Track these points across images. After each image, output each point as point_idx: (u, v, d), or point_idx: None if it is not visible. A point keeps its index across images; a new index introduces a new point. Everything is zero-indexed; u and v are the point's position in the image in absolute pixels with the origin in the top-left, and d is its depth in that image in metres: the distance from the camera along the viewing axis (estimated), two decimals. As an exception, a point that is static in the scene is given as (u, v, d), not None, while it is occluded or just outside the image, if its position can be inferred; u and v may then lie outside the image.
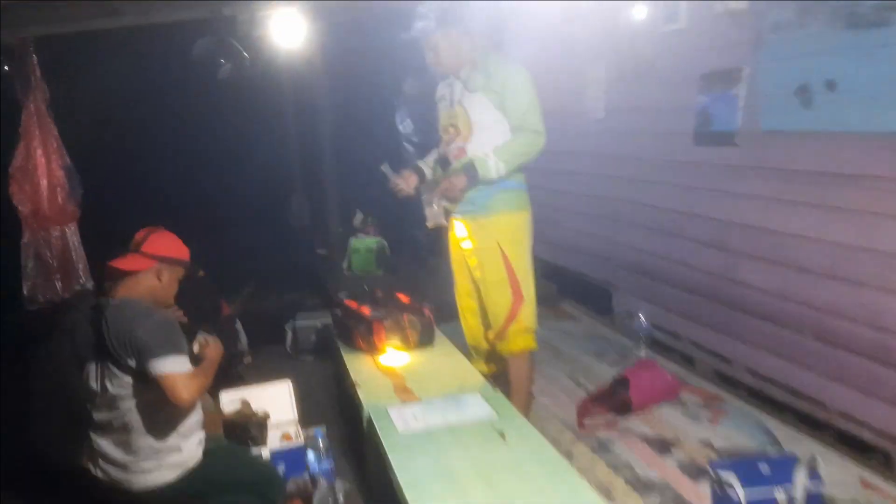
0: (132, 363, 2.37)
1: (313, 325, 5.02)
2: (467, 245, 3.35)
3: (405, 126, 6.91)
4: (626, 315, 4.84)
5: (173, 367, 2.34)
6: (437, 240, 7.33)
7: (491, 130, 3.15)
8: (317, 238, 7.76)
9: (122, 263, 2.56)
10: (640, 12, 4.24)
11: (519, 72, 3.13)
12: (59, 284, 4.39)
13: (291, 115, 8.03)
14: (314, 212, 8.13)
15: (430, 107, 7.33)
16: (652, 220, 4.39)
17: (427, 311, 3.70)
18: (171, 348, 2.37)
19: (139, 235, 2.64)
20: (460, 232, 3.37)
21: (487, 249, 3.24)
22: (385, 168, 3.46)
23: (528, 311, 3.27)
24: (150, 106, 7.28)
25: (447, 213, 3.32)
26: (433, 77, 8.11)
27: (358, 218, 7.12)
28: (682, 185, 4.04)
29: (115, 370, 2.41)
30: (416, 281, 6.32)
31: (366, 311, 3.71)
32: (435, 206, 3.24)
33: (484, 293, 3.31)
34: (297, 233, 8.18)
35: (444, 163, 3.33)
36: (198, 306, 4.43)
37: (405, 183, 3.39)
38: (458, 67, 3.22)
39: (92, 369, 2.46)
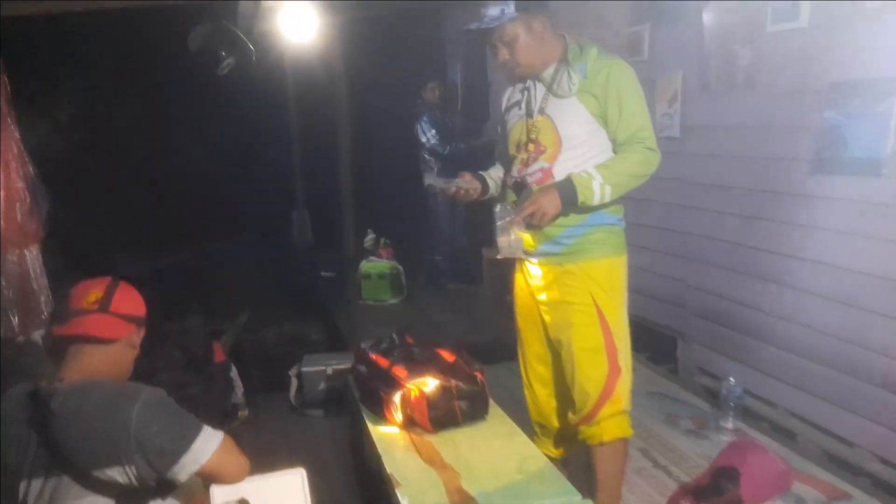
0: (118, 474, 1.63)
1: (322, 372, 4.20)
2: (546, 297, 2.56)
3: (430, 136, 6.12)
4: (698, 371, 4.06)
5: (212, 444, 1.73)
6: (458, 265, 6.61)
7: (586, 147, 2.40)
8: (322, 258, 6.96)
9: (90, 327, 1.77)
10: (738, 6, 3.48)
11: (626, 70, 2.39)
12: (15, 320, 3.57)
13: (298, 119, 7.24)
14: (319, 229, 7.35)
15: (452, 114, 6.64)
16: (741, 262, 3.61)
17: (479, 376, 2.90)
18: (193, 425, 1.71)
19: (97, 290, 1.83)
20: (537, 279, 2.58)
21: (578, 305, 2.45)
22: (431, 179, 2.68)
23: (625, 388, 2.49)
24: (135, 105, 6.47)
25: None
26: (458, 81, 7.33)
27: (369, 238, 6.34)
28: (790, 222, 3.27)
29: (77, 488, 1.64)
30: (438, 314, 5.53)
31: (400, 372, 2.91)
32: (512, 235, 2.46)
33: (568, 362, 2.51)
34: (300, 252, 7.38)
35: (518, 189, 2.54)
36: (184, 354, 3.64)
37: (467, 187, 2.62)
38: (543, 66, 2.45)
39: (34, 488, 1.67)
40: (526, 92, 2.54)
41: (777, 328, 3.42)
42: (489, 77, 6.69)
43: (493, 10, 2.40)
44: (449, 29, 7.51)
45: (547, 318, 2.57)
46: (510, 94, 2.65)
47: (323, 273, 6.78)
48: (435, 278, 6.46)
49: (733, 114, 3.60)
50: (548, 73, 2.46)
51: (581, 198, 2.32)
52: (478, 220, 7.09)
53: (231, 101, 6.53)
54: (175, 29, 4.29)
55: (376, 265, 6.03)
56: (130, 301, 1.84)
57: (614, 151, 2.40)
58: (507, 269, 5.52)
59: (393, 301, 5.97)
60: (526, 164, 2.52)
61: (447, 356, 3.04)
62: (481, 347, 4.68)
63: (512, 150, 2.60)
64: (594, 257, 2.44)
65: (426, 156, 6.27)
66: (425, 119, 6.16)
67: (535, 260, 2.56)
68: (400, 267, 6.07)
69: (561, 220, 2.44)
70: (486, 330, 4.99)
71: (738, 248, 3.62)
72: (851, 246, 2.98)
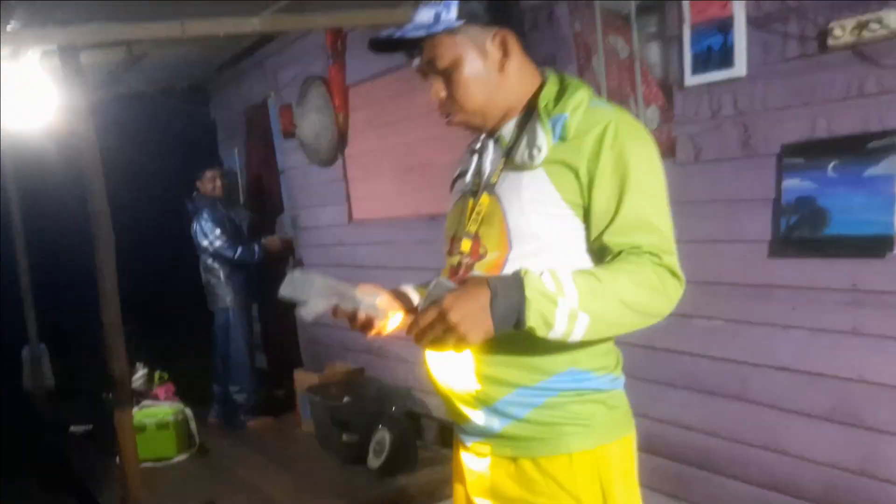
0: None
1: None
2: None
3: (213, 238, 4.85)
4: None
5: None
6: (259, 395, 5.27)
7: (549, 254, 1.38)
8: (71, 407, 5.25)
9: None
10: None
11: (636, 131, 1.40)
12: None
13: (25, 224, 5.54)
14: (64, 367, 5.60)
15: (236, 209, 5.41)
16: (702, 379, 2.79)
17: None
18: None
19: None
20: (473, 476, 1.53)
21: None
22: (296, 290, 1.45)
23: None
24: None
25: None
26: (237, 168, 6.12)
27: (139, 374, 4.83)
28: (750, 321, 2.57)
29: None
30: (252, 473, 4.17)
31: None
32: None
33: None
34: (39, 402, 5.54)
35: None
36: None
37: (368, 310, 1.45)
38: (502, 115, 1.48)
39: None
40: (477, 155, 1.56)
41: (737, 455, 2.66)
42: (280, 161, 5.60)
43: (423, 12, 1.40)
44: (221, 109, 6.34)
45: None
46: (464, 157, 1.65)
47: (73, 428, 5.07)
48: (230, 416, 5.06)
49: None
50: (508, 128, 1.49)
51: (531, 322, 1.24)
52: (280, 334, 5.84)
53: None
54: None
55: (153, 411, 4.52)
56: None
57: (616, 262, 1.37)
58: (334, 390, 4.38)
59: (182, 458, 4.48)
60: (456, 273, 1.50)
61: None
62: None
63: (445, 248, 1.58)
64: (571, 449, 1.41)
65: (209, 261, 4.97)
66: (205, 216, 4.89)
67: (469, 442, 1.52)
68: (187, 410, 4.62)
69: (500, 372, 1.41)
70: (330, 487, 3.78)
71: (683, 358, 2.82)
72: (844, 349, 2.31)
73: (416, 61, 1.48)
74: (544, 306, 1.23)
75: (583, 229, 1.40)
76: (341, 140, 4.61)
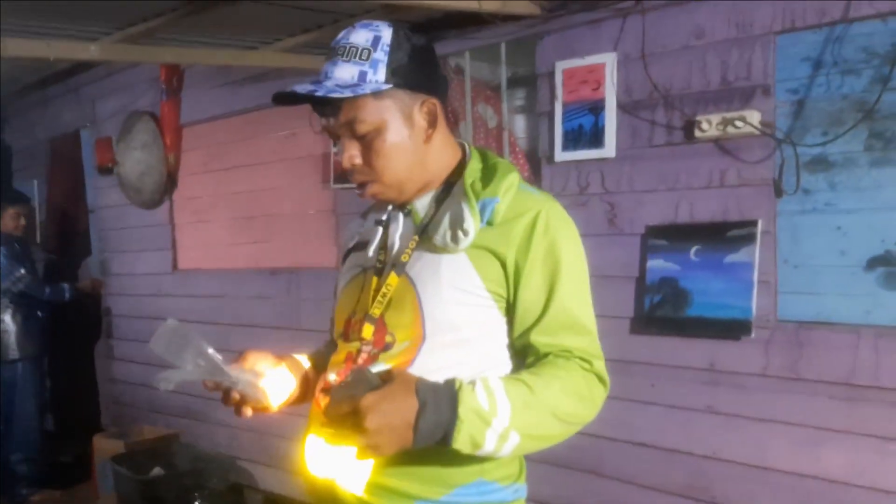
0: None
1: None
2: None
3: (17, 277, 4.28)
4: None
5: None
6: (45, 464, 4.57)
7: (470, 349, 1.26)
8: None
9: None
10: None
11: (566, 223, 1.31)
12: None
13: None
14: None
15: (37, 248, 4.77)
16: (559, 454, 2.78)
17: None
18: None
19: None
20: None
21: None
22: (175, 376, 1.22)
23: None
24: None
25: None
26: (36, 203, 5.46)
27: None
28: (609, 396, 2.59)
29: None
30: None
31: None
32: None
33: None
34: None
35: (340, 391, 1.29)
36: None
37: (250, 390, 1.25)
38: (418, 188, 1.35)
39: None
40: (378, 227, 1.40)
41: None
42: (91, 199, 5.04)
43: (344, 68, 1.24)
44: (19, 134, 5.62)
45: None
46: (356, 227, 1.48)
47: None
48: (8, 490, 4.34)
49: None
50: (423, 203, 1.36)
51: (458, 444, 1.12)
52: (74, 391, 5.15)
53: None
54: None
55: None
56: None
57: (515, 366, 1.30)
58: (143, 459, 3.89)
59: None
60: (354, 362, 1.32)
61: None
62: None
63: (337, 332, 1.39)
64: None
65: (8, 304, 4.33)
66: (3, 254, 4.28)
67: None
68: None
69: (398, 483, 1.23)
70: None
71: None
72: (699, 427, 2.39)
73: (329, 120, 1.32)
74: (476, 427, 1.11)
75: (503, 323, 1.29)
76: (170, 182, 4.23)
